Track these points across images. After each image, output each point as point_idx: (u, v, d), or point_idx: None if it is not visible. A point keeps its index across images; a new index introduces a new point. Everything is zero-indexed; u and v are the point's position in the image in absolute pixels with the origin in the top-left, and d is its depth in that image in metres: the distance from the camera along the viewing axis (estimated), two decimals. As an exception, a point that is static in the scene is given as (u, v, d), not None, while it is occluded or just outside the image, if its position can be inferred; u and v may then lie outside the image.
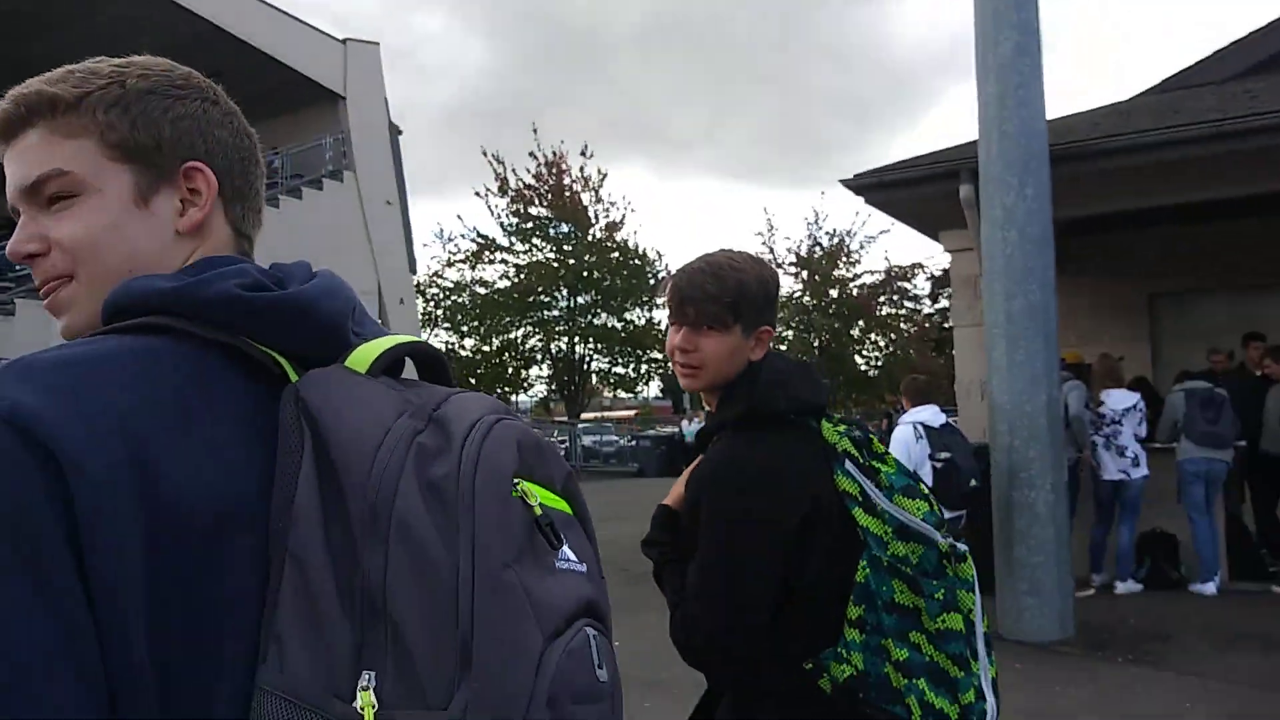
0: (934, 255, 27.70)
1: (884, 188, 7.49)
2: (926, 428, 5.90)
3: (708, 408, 1.81)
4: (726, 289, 1.68)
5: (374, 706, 0.66)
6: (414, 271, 27.50)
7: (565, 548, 0.80)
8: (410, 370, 0.92)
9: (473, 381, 33.70)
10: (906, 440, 5.93)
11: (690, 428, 23.90)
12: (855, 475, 1.64)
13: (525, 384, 33.48)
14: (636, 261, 30.77)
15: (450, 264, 31.79)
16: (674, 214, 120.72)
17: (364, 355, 0.84)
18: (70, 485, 0.66)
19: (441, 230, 32.36)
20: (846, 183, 7.56)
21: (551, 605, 0.74)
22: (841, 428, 1.73)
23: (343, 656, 0.69)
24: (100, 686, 0.66)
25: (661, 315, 33.43)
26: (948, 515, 7.61)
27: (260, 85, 21.79)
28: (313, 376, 0.80)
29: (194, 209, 0.90)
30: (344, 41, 23.20)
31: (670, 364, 1.78)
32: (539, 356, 31.88)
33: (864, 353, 27.46)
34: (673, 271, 1.81)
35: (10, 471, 0.65)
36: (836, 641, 1.57)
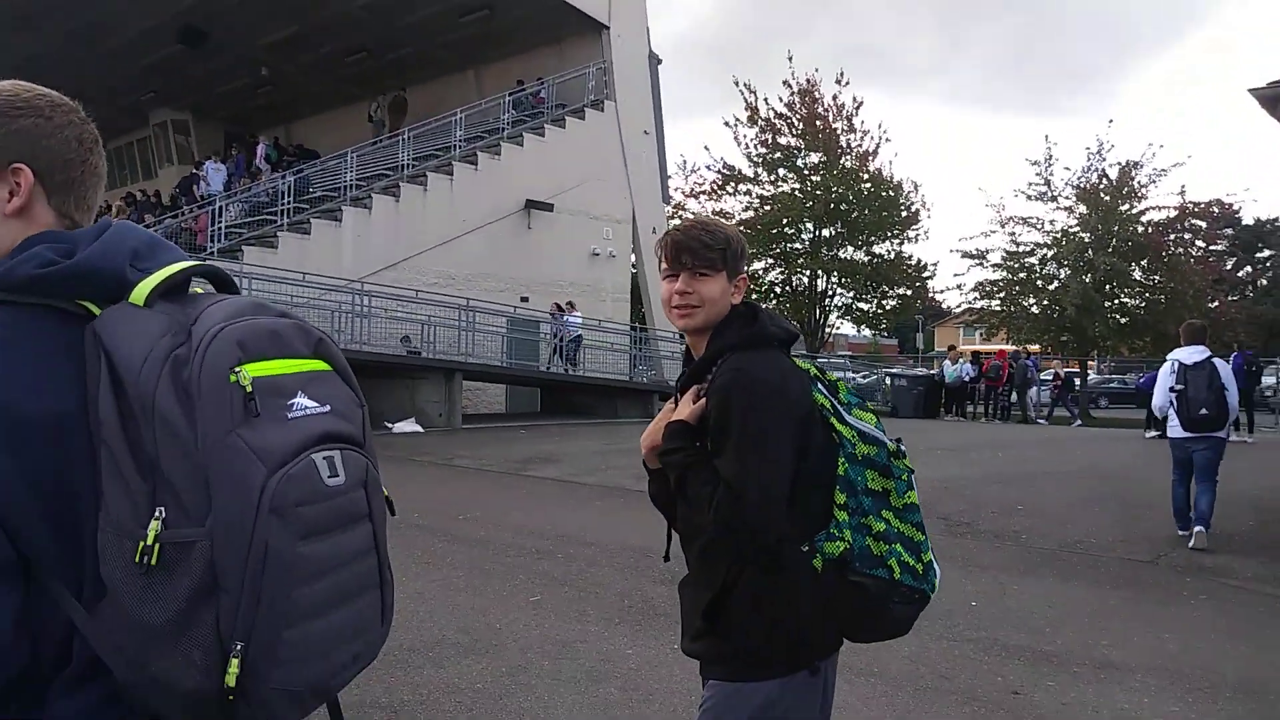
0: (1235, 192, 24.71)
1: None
2: (1180, 364, 7.58)
3: (692, 348, 2.11)
4: (717, 239, 2.03)
5: (160, 528, 1.04)
6: (667, 202, 27.46)
7: (298, 399, 1.14)
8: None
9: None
10: (1164, 371, 7.82)
11: (952, 369, 22.63)
12: (825, 393, 2.03)
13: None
14: (890, 192, 29.38)
15: (693, 194, 31.57)
16: (912, 146, 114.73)
17: (141, 290, 1.15)
18: None
19: (685, 161, 31.94)
20: (1258, 92, 6.46)
21: (271, 448, 1.08)
22: (803, 361, 2.10)
23: (141, 500, 1.06)
24: (1, 538, 1.04)
25: (914, 249, 31.85)
26: (1179, 435, 7.70)
27: (529, 15, 22.06)
28: (102, 315, 1.14)
29: (16, 199, 1.20)
30: (609, -29, 23.02)
31: (669, 310, 2.07)
32: (777, 290, 31.22)
33: (1142, 294, 24.86)
34: (666, 231, 2.14)
35: None
36: (826, 526, 1.92)
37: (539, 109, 22.39)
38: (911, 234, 30.04)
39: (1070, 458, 13.46)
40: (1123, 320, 25.35)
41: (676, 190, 30.41)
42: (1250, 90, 6.37)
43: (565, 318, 19.96)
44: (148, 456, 1.06)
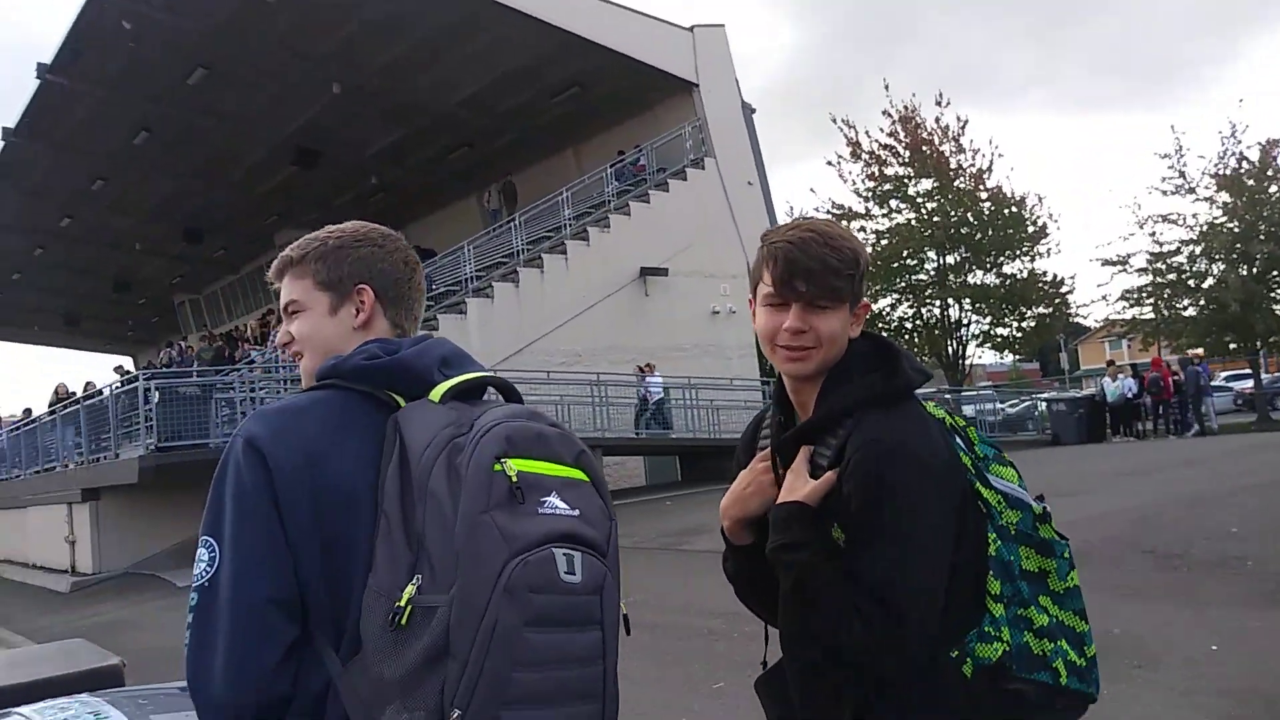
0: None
1: None
2: None
3: (794, 398, 1.66)
4: (845, 260, 1.56)
5: (414, 592, 1.19)
6: (780, 249, 27.06)
7: (551, 498, 1.26)
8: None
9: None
10: None
11: (1114, 386, 21.21)
12: (964, 448, 1.60)
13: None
14: (1012, 209, 28.22)
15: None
16: (1026, 159, 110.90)
17: (437, 391, 1.38)
18: (273, 472, 1.30)
19: (791, 208, 31.37)
20: None
21: (518, 535, 1.20)
22: (934, 406, 1.64)
23: (402, 569, 1.22)
24: (292, 582, 1.28)
25: (1048, 264, 30.39)
26: None
27: (618, 85, 22.28)
28: (405, 408, 1.37)
29: (362, 314, 1.51)
30: (691, 29, 23.10)
31: (772, 349, 1.61)
32: (908, 325, 30.15)
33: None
34: (768, 237, 1.63)
35: (246, 464, 1.30)
36: (978, 622, 1.50)
37: (641, 177, 22.42)
38: (1042, 249, 28.63)
39: (1268, 469, 12.25)
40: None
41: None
42: None
43: (647, 379, 19.44)
44: (417, 530, 1.23)
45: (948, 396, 23.54)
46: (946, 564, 1.49)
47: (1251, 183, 22.56)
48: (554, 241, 20.58)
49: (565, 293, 19.85)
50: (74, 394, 19.05)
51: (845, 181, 29.87)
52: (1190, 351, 23.74)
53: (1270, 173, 22.58)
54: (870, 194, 29.18)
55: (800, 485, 1.55)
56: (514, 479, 1.23)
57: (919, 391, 1.64)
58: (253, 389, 15.60)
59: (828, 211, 29.64)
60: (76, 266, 30.82)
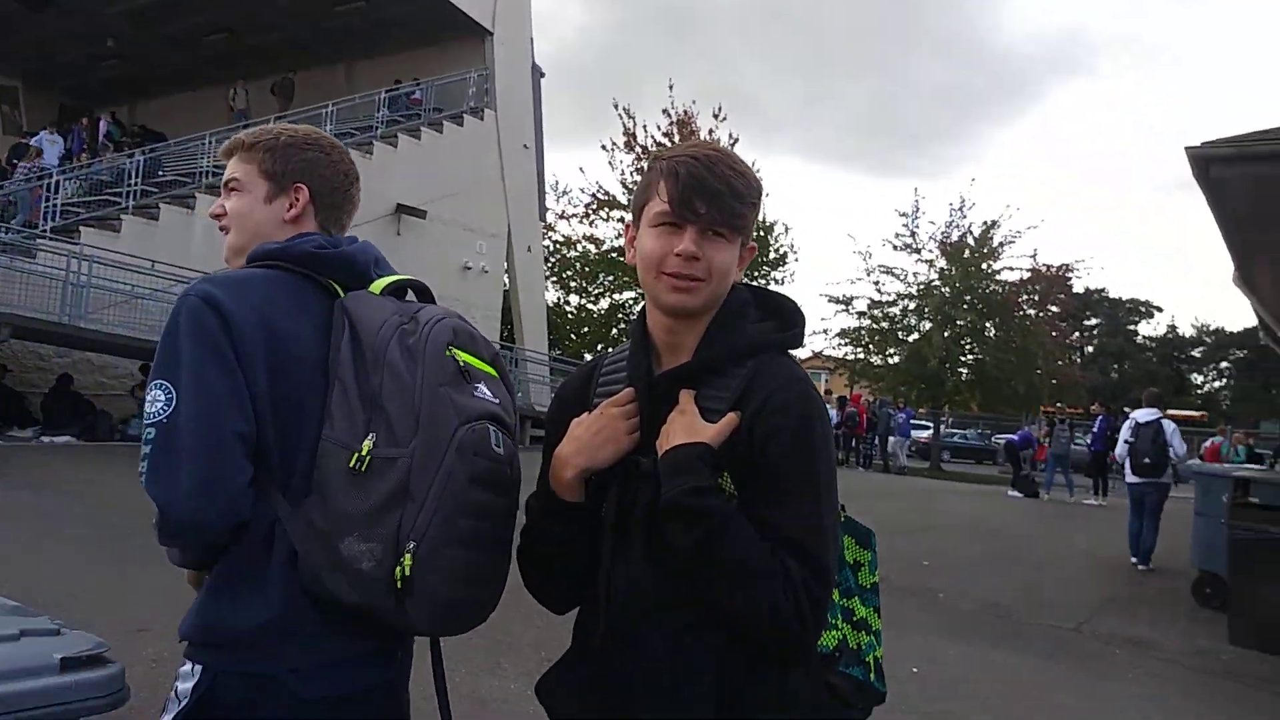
0: (1081, 261, 26.00)
1: (1251, 160, 6.32)
2: (1136, 422, 9.45)
3: (660, 351, 1.48)
4: (751, 188, 1.42)
5: (371, 445, 1.40)
6: (543, 220, 26.70)
7: (481, 385, 1.51)
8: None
9: (574, 338, 32.99)
10: (1125, 427, 9.78)
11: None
12: None
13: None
14: (759, 232, 29.64)
15: (564, 216, 30.94)
16: (776, 192, 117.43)
17: (376, 285, 1.61)
18: (231, 327, 1.44)
19: (556, 182, 31.36)
20: (1195, 151, 6.35)
21: (465, 407, 1.44)
22: None
23: (359, 425, 1.42)
24: (252, 420, 1.44)
25: (784, 291, 32.02)
26: (1133, 480, 9.51)
27: (409, 10, 21.01)
28: (349, 295, 1.58)
29: (294, 209, 1.67)
30: (495, -26, 22.25)
31: (656, 275, 1.40)
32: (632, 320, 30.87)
33: (994, 352, 25.76)
34: (665, 153, 1.44)
35: (205, 319, 1.43)
36: None
37: (415, 111, 21.28)
38: (778, 275, 30.34)
39: (952, 511, 13.53)
40: (972, 376, 26.24)
41: (548, 211, 29.78)
42: (1188, 149, 6.24)
43: None
44: (371, 394, 1.45)
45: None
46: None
47: (968, 254, 25.04)
48: (309, 156, 19.06)
49: (311, 211, 18.42)
50: None
51: (614, 170, 30.13)
52: (885, 396, 26.01)
53: (985, 250, 25.16)
54: (636, 187, 29.61)
55: (700, 426, 1.36)
56: (461, 364, 1.50)
57: None
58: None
59: (593, 195, 29.79)
60: None
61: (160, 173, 17.86)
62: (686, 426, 1.37)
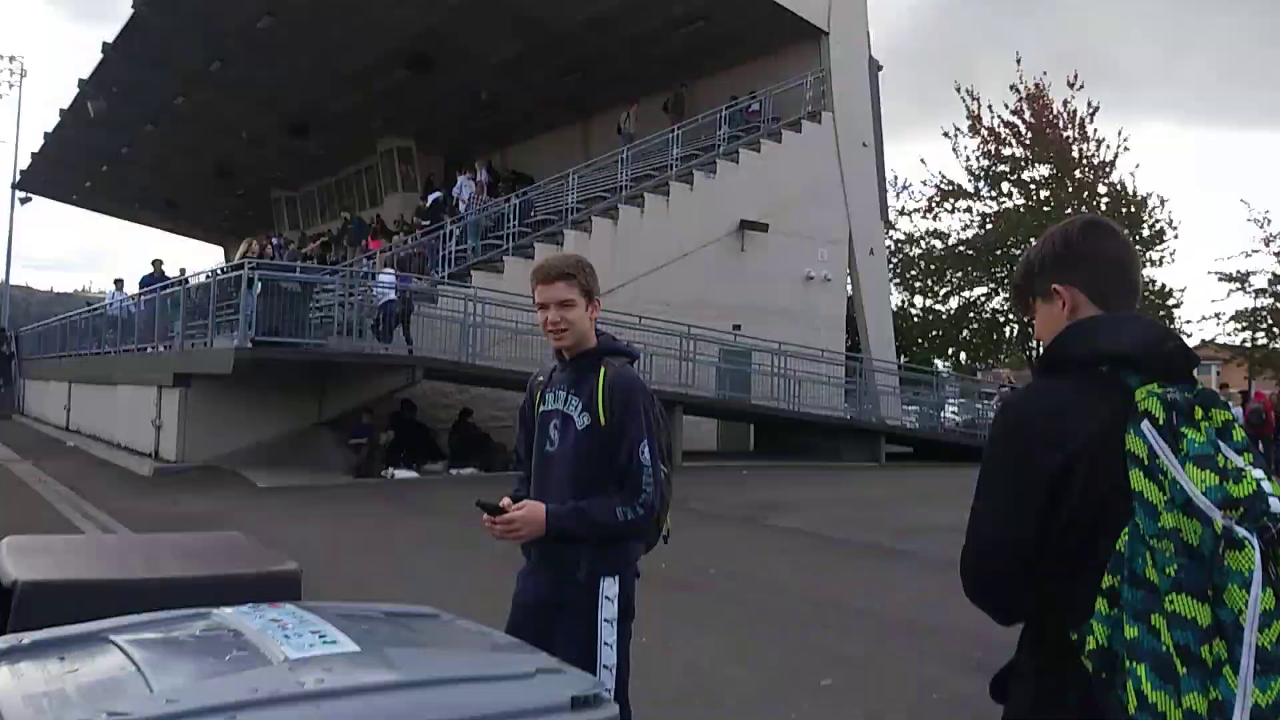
0: None
1: None
2: None
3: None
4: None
5: None
6: (885, 220, 26.16)
7: None
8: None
9: (922, 342, 31.72)
10: None
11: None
12: (1149, 436, 1.43)
13: (991, 352, 30.67)
14: (1130, 209, 26.97)
15: (905, 213, 30.02)
16: (1148, 159, 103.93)
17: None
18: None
19: (895, 178, 30.34)
20: None
21: None
22: (1159, 388, 1.48)
23: None
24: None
25: (1159, 273, 28.88)
26: None
27: (745, 22, 21.34)
28: None
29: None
30: (829, -30, 21.98)
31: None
32: (1001, 320, 29.17)
33: None
34: None
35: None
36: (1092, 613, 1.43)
37: (753, 124, 21.63)
38: (1155, 256, 27.37)
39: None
40: None
41: (888, 209, 29.09)
42: None
43: (378, 276, 16.11)
44: None
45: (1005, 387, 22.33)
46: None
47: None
48: (658, 181, 20.04)
49: (661, 237, 19.32)
50: (169, 277, 19.26)
51: (958, 156, 28.81)
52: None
53: None
54: (984, 173, 28.10)
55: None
56: None
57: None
58: (351, 291, 15.49)
59: (936, 186, 28.69)
60: (183, 147, 31.05)
61: (533, 213, 19.64)
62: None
